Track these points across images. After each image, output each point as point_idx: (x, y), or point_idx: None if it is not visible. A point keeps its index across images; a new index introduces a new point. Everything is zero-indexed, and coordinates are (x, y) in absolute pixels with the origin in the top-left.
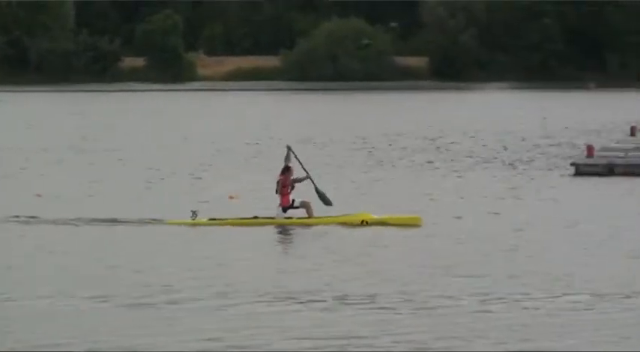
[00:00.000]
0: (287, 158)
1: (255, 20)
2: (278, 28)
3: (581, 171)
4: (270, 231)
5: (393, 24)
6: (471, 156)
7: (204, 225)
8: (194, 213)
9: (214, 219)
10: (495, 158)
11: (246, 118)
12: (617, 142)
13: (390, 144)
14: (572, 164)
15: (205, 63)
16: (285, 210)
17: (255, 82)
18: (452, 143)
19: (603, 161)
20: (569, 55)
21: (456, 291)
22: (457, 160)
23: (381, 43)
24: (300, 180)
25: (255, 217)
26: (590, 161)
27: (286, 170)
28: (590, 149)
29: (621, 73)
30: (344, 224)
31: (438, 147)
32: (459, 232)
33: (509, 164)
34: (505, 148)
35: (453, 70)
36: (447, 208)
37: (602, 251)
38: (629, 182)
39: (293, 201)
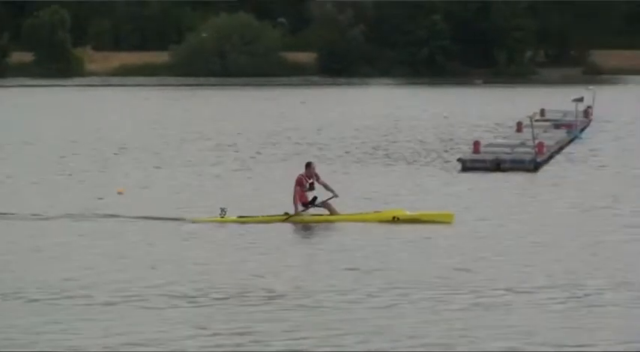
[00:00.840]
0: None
1: (144, 16)
2: (166, 23)
3: (468, 166)
4: (294, 229)
5: (282, 20)
6: (357, 151)
7: (233, 222)
8: (223, 211)
9: (243, 217)
10: (382, 153)
11: (134, 114)
12: (504, 138)
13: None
14: (458, 160)
15: (93, 58)
16: (305, 206)
17: (143, 77)
18: (340, 138)
19: (490, 156)
20: (456, 51)
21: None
22: (345, 156)
23: (270, 39)
24: (328, 188)
25: (286, 214)
26: (477, 157)
27: (307, 166)
28: (476, 145)
29: (508, 69)
30: (375, 221)
31: (326, 144)
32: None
33: (396, 159)
34: (392, 143)
35: (341, 65)
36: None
37: (479, 245)
38: (515, 177)
39: (314, 198)
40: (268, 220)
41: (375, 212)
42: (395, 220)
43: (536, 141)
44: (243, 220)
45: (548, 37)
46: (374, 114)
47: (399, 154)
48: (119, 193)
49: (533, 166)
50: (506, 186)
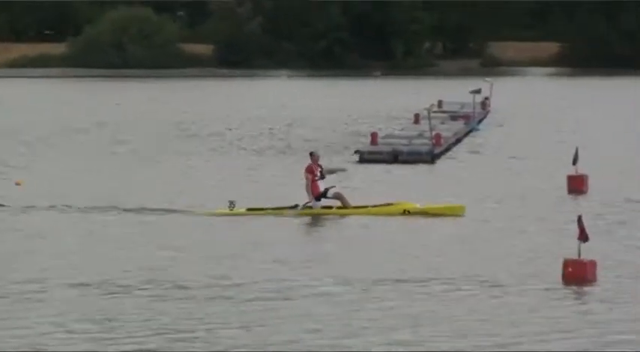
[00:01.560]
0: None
1: (41, 7)
2: (64, 15)
3: (366, 158)
4: (303, 221)
5: (180, 12)
6: (254, 144)
7: (243, 214)
8: (232, 203)
9: (253, 209)
10: (279, 146)
11: (33, 106)
12: (402, 130)
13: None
14: (356, 151)
15: None
16: (318, 199)
17: (41, 69)
18: (237, 131)
19: (387, 148)
20: (355, 43)
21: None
22: (244, 148)
23: (168, 32)
24: (332, 172)
25: (296, 205)
26: (374, 148)
27: (311, 155)
28: (374, 136)
29: (406, 62)
30: (385, 214)
31: (222, 137)
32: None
33: (295, 150)
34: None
35: (239, 57)
36: (219, 196)
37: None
38: (413, 168)
39: (326, 190)
40: (279, 212)
41: (386, 205)
42: (405, 213)
43: (434, 133)
44: (253, 213)
45: (445, 30)
46: (271, 107)
47: (296, 146)
48: (17, 185)
49: (431, 158)
50: (402, 178)
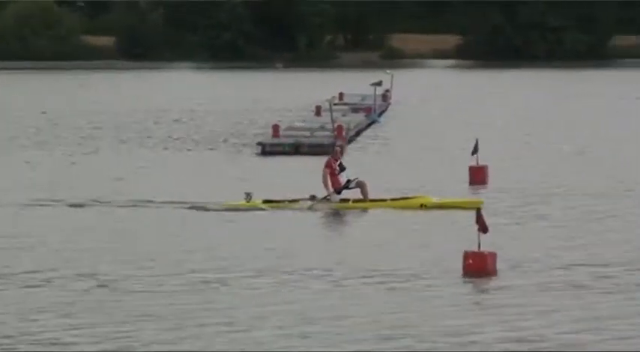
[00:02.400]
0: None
1: None
2: None
3: (268, 150)
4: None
5: (81, 3)
6: (157, 136)
7: (259, 206)
8: (248, 195)
9: (269, 201)
10: (181, 138)
11: None
12: (303, 122)
13: (57, 124)
14: (258, 143)
15: None
16: (339, 192)
17: None
18: (138, 123)
19: (289, 140)
20: (258, 35)
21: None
22: (148, 140)
23: (69, 23)
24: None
25: (313, 197)
26: (276, 140)
27: (333, 150)
28: (275, 129)
29: (308, 54)
30: (402, 208)
31: (123, 128)
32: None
33: (196, 142)
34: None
35: (141, 49)
36: (134, 187)
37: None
38: (314, 160)
39: (348, 181)
40: (292, 205)
41: (403, 198)
42: (422, 207)
43: (335, 125)
44: (270, 205)
45: (347, 22)
46: (173, 99)
47: (197, 139)
48: None
49: (332, 150)
50: (304, 169)
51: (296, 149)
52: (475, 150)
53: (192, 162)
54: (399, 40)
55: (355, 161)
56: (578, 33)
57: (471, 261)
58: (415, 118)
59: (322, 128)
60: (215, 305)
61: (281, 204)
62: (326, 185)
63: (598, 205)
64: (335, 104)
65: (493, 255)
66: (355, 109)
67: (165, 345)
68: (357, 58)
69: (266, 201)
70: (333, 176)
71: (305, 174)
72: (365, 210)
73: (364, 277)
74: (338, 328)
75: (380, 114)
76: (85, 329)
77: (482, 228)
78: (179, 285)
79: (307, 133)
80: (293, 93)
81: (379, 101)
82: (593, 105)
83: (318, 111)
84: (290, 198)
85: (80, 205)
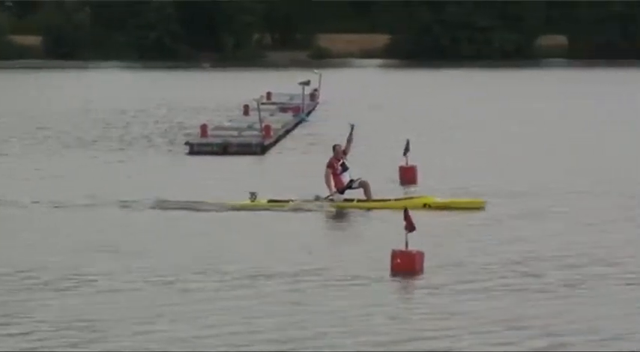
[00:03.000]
0: (349, 139)
1: None
2: None
3: (196, 150)
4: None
5: (9, 3)
6: (85, 136)
7: (263, 206)
8: (253, 195)
9: (274, 201)
10: (108, 138)
11: None
12: (231, 121)
13: None
14: (186, 143)
15: None
16: (341, 191)
17: None
18: (66, 122)
19: (217, 140)
20: (185, 34)
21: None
22: (73, 140)
23: None
24: (350, 140)
25: (317, 198)
26: (204, 140)
27: (333, 149)
28: (203, 128)
29: (236, 53)
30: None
31: (40, 128)
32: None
33: (123, 142)
34: (113, 126)
35: (67, 48)
36: (48, 190)
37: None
38: (242, 160)
39: (351, 181)
40: (300, 205)
41: (407, 198)
42: (426, 207)
43: (263, 125)
44: (275, 205)
45: (274, 21)
46: (100, 98)
47: (125, 138)
48: None
49: (260, 149)
50: (232, 169)
51: (224, 149)
52: (406, 150)
53: (119, 162)
54: (327, 40)
55: (284, 160)
56: (506, 32)
57: (398, 260)
58: (343, 118)
59: (250, 127)
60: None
61: (286, 204)
62: (328, 185)
63: (526, 204)
64: (263, 103)
65: (421, 254)
66: (283, 109)
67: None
68: (285, 58)
69: (271, 201)
70: (336, 176)
71: (233, 174)
72: (368, 210)
73: (295, 275)
74: (249, 327)
75: (308, 114)
76: None
77: (409, 227)
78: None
79: (235, 133)
80: (221, 93)
81: (307, 100)
82: (514, 105)
83: (246, 110)
84: (294, 199)
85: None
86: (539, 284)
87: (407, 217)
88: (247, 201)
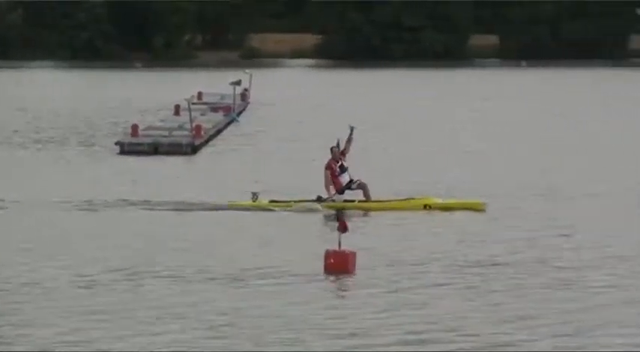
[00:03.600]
0: (349, 140)
1: None
2: None
3: (126, 150)
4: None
5: None
6: (14, 135)
7: (265, 207)
8: (255, 195)
9: (275, 201)
10: (40, 136)
11: None
12: (162, 121)
13: None
14: (117, 143)
15: None
16: (341, 192)
17: None
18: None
19: (148, 140)
20: (116, 34)
21: None
22: (2, 139)
23: None
24: (350, 140)
25: (319, 198)
26: (135, 140)
27: (332, 150)
28: (134, 128)
29: (167, 53)
30: (406, 209)
31: None
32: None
33: (54, 142)
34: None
35: (0, 48)
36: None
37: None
38: (173, 160)
39: (351, 181)
40: (302, 206)
41: (407, 199)
42: (426, 208)
43: (194, 124)
44: (276, 205)
45: (205, 21)
46: (32, 97)
47: (55, 138)
48: None
49: (191, 149)
50: (162, 169)
51: (155, 149)
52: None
53: (49, 161)
54: (258, 40)
55: (214, 160)
56: (435, 33)
57: (331, 260)
58: (274, 118)
59: (181, 127)
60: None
61: (287, 205)
62: (327, 187)
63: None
64: (194, 103)
65: (353, 254)
66: (214, 108)
67: None
68: (215, 58)
69: (272, 202)
70: (334, 177)
71: (163, 174)
72: (367, 211)
73: (224, 276)
74: (184, 326)
75: (239, 114)
76: None
77: (342, 227)
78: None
79: (166, 133)
80: (152, 93)
81: (238, 100)
82: (449, 104)
83: (176, 110)
84: (296, 199)
85: None
86: (477, 285)
87: (340, 218)
88: (249, 202)
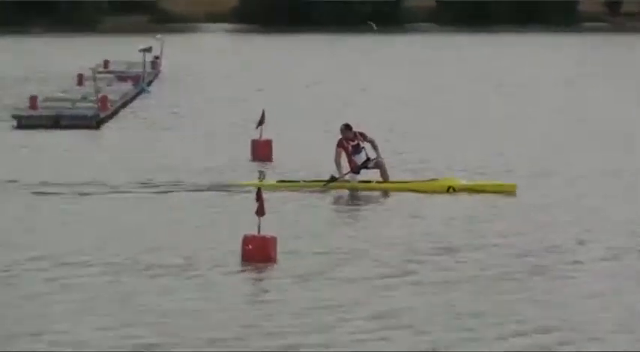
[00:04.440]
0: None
1: None
2: None
3: (24, 124)
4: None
5: None
6: None
7: (273, 186)
8: (262, 174)
9: (284, 181)
10: None
11: None
12: (64, 92)
13: None
14: (13, 116)
15: None
16: (357, 171)
17: None
18: None
19: (48, 112)
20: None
21: None
22: None
23: None
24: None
25: (332, 178)
26: (34, 113)
27: (343, 130)
28: (33, 100)
29: (70, 17)
30: (427, 190)
31: None
32: None
33: None
34: None
35: None
36: None
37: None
38: (76, 134)
39: (367, 160)
40: (310, 185)
41: (430, 180)
42: (450, 191)
43: (99, 96)
44: (285, 185)
45: None
46: None
47: None
48: None
49: (96, 122)
50: (65, 145)
51: (56, 122)
52: (260, 122)
53: None
54: (170, 2)
55: (121, 134)
56: None
57: (250, 246)
58: (188, 87)
59: (85, 99)
60: None
61: (297, 184)
62: (338, 165)
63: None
64: (99, 72)
65: (273, 239)
66: (122, 78)
67: None
68: (123, 23)
69: (281, 181)
70: (348, 156)
71: (64, 151)
72: (386, 191)
73: (130, 266)
74: (91, 325)
75: (149, 84)
76: None
77: (260, 210)
78: None
79: (68, 104)
80: (53, 61)
81: (148, 69)
82: (379, 71)
83: (80, 80)
84: (307, 180)
85: None
86: (406, 275)
87: (260, 199)
88: (256, 181)
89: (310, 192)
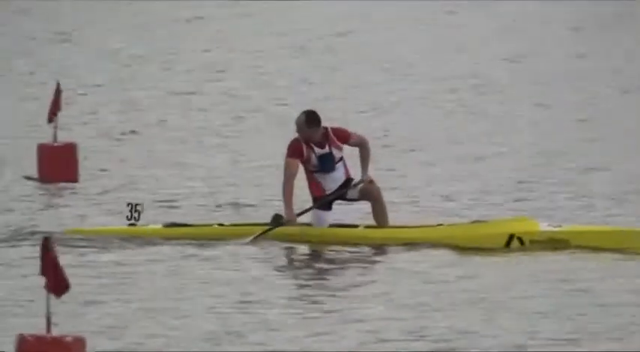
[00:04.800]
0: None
1: None
2: None
3: None
4: None
5: None
6: None
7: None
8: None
9: (174, 225)
10: None
11: None
12: None
13: None
14: None
15: None
16: (327, 205)
17: None
18: None
19: None
20: None
21: None
22: None
23: None
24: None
25: (277, 220)
26: None
27: (307, 122)
28: None
29: None
30: (466, 244)
31: None
32: None
33: None
34: None
35: None
36: None
37: None
38: None
39: (348, 180)
40: (227, 233)
41: (473, 222)
42: (513, 243)
43: None
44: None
45: None
46: None
47: None
48: None
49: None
50: None
51: None
52: (55, 105)
53: None
54: None
55: None
56: None
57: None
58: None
59: None
60: None
61: (199, 231)
62: (287, 193)
63: None
64: None
65: (78, 344)
66: None
67: None
68: None
69: (169, 226)
70: (309, 174)
71: None
72: (383, 247)
73: None
74: None
75: None
76: None
77: (54, 286)
78: None
79: None
80: None
81: None
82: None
83: None
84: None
85: None
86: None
87: (47, 265)
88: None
89: (235, 244)
